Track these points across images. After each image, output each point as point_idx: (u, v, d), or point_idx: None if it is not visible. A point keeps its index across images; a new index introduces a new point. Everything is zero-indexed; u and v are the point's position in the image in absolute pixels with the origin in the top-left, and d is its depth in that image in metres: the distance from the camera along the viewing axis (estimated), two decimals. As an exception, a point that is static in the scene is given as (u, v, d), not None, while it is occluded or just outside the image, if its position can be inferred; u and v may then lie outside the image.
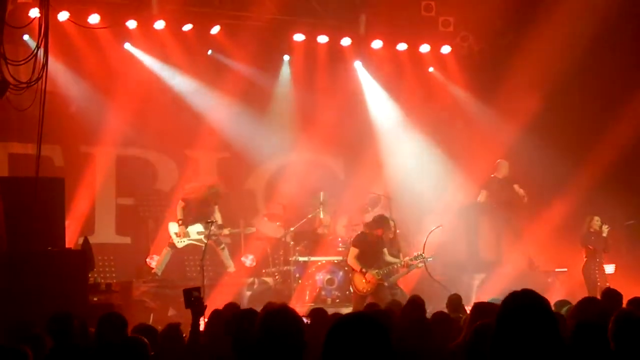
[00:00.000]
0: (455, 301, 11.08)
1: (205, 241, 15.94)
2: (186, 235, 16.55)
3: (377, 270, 14.91)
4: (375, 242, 15.18)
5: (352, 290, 15.34)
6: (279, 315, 5.11)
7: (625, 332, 6.14)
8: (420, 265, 15.48)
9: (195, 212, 16.70)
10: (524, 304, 4.44)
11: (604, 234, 16.48)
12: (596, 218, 16.72)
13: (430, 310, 10.40)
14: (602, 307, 8.29)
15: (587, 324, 6.25)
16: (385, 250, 15.31)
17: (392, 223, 15.83)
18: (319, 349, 7.68)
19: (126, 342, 6.94)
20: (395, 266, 15.17)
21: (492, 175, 18.70)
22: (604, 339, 6.10)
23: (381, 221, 15.40)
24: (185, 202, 16.73)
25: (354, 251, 15.13)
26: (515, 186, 18.45)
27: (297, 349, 5.05)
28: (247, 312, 7.71)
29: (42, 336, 8.18)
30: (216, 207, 16.99)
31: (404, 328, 8.23)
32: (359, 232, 15.56)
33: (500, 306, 4.52)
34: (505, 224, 18.59)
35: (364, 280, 14.89)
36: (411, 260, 15.34)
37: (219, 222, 16.83)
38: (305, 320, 9.10)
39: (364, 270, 14.88)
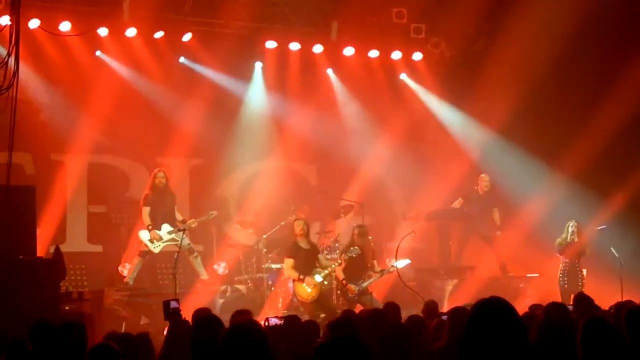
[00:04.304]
0: (431, 307, 11.16)
1: (178, 240, 15.94)
2: (159, 238, 16.48)
3: (317, 274, 15.01)
4: (308, 249, 15.30)
5: (297, 300, 15.27)
6: (242, 331, 5.03)
7: (594, 338, 6.15)
8: (392, 269, 15.59)
9: (159, 215, 16.63)
10: (492, 311, 4.46)
11: (575, 239, 16.49)
12: (572, 222, 16.72)
13: (403, 316, 10.45)
14: (568, 312, 8.37)
15: (554, 330, 6.27)
16: (320, 256, 15.45)
17: (356, 230, 15.75)
18: (291, 356, 7.70)
19: (96, 350, 6.91)
20: (332, 268, 15.28)
21: (475, 188, 18.71)
22: (570, 345, 6.12)
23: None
24: (149, 205, 16.61)
25: (288, 262, 15.20)
26: (495, 210, 18.54)
27: None
28: (210, 320, 7.64)
29: (18, 344, 8.15)
30: (175, 207, 16.98)
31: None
32: (291, 243, 15.57)
33: (469, 313, 4.55)
34: (477, 230, 18.66)
35: (305, 286, 14.95)
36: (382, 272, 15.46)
37: (181, 218, 16.81)
38: (277, 322, 9.12)
39: (301, 277, 14.96)
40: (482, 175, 18.70)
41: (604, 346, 6.07)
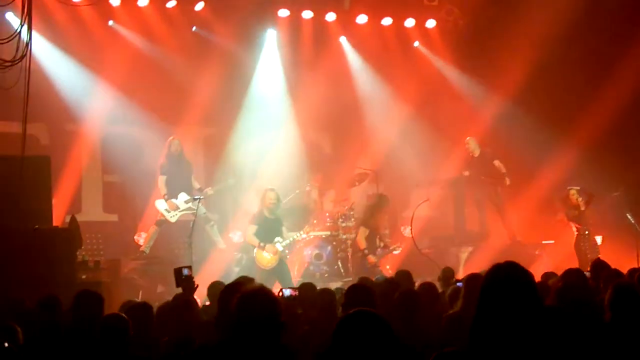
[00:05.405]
0: (448, 274, 11.18)
1: (195, 208, 15.98)
2: (176, 207, 16.53)
3: (278, 242, 15.01)
4: (273, 219, 15.26)
5: (257, 267, 15.24)
6: (252, 299, 5.03)
7: (624, 302, 6.21)
8: (396, 252, 15.71)
9: (175, 184, 16.67)
10: (506, 276, 4.48)
11: (582, 208, 16.43)
12: (572, 192, 16.65)
13: (417, 284, 10.48)
14: (586, 278, 8.39)
15: (573, 295, 6.31)
16: (283, 228, 15.39)
17: (376, 200, 15.74)
18: (307, 322, 7.72)
19: (106, 320, 6.93)
20: (293, 239, 15.33)
21: (468, 154, 18.60)
22: (589, 310, 6.16)
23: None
24: (165, 174, 16.65)
25: (251, 228, 15.19)
26: (496, 162, 18.37)
27: (274, 331, 5.00)
28: (232, 286, 7.67)
29: (34, 312, 8.22)
30: (192, 176, 17.02)
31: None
32: (257, 210, 15.52)
33: (483, 278, 4.56)
34: (491, 197, 18.60)
35: (265, 253, 14.95)
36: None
37: (198, 186, 16.88)
38: (292, 293, 9.13)
39: (262, 244, 14.96)
40: (467, 138, 18.60)
41: (633, 310, 6.14)
